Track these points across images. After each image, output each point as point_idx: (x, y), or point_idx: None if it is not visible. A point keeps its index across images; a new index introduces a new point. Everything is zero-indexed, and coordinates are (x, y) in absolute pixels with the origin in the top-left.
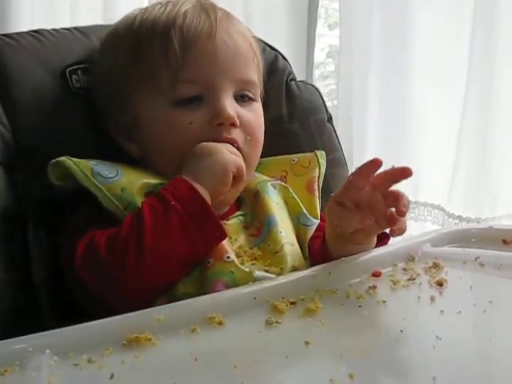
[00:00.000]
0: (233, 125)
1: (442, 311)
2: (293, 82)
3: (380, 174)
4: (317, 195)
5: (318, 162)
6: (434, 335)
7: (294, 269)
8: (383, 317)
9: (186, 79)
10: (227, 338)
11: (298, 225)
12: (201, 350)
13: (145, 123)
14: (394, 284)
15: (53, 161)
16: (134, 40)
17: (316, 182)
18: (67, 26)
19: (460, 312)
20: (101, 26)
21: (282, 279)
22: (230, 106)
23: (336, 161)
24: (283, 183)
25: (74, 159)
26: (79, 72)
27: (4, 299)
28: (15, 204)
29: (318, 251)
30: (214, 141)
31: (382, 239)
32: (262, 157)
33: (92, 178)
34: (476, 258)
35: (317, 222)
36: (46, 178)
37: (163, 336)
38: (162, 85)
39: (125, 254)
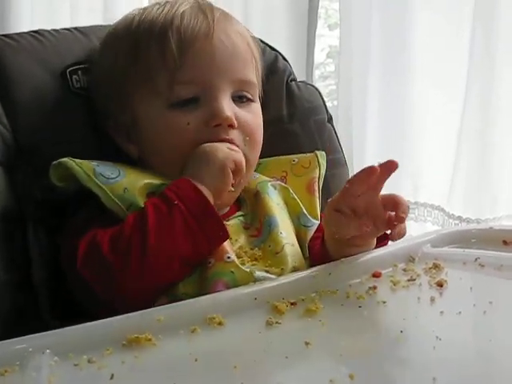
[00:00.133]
0: (231, 126)
1: (442, 312)
2: (293, 82)
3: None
4: (317, 196)
5: (318, 162)
6: (434, 336)
7: (295, 269)
8: (383, 317)
9: (183, 80)
10: (227, 338)
11: (299, 225)
12: (201, 351)
13: (143, 124)
14: (394, 284)
15: (55, 162)
16: (133, 40)
17: (316, 183)
18: (67, 26)
19: (460, 313)
20: (101, 26)
21: (282, 280)
22: (228, 107)
23: (336, 161)
24: (283, 184)
25: (76, 160)
26: (79, 72)
27: (4, 299)
28: (15, 204)
29: (317, 252)
30: (212, 142)
31: (382, 240)
32: (262, 157)
33: (95, 179)
34: (476, 259)
35: (317, 222)
36: (47, 178)
37: (163, 336)
38: (159, 86)
39: (128, 253)
